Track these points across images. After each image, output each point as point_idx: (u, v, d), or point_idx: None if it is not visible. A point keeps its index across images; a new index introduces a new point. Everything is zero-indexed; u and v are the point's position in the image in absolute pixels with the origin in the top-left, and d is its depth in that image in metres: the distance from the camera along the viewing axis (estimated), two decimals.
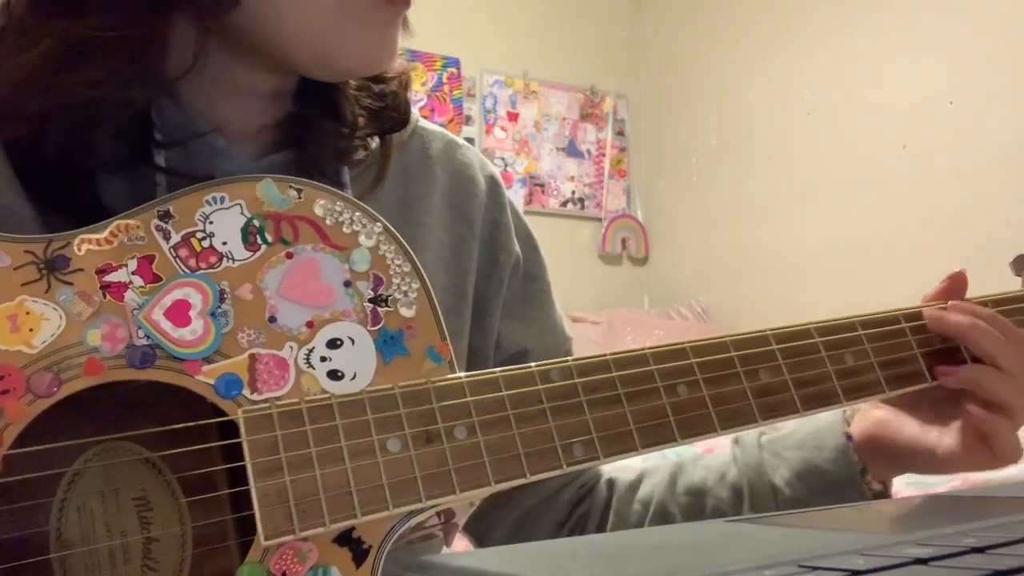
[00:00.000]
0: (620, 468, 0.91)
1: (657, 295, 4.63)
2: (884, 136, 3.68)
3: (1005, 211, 3.21)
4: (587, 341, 3.94)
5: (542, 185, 4.56)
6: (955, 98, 3.45)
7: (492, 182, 0.88)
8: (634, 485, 0.89)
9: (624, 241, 4.71)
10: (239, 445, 0.55)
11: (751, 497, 0.81)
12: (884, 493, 0.80)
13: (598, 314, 4.19)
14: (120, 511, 0.58)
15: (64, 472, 0.57)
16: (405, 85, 0.82)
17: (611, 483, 0.90)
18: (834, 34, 3.91)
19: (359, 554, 0.56)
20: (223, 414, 0.56)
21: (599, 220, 4.69)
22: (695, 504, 0.85)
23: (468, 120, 4.43)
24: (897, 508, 0.52)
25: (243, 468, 0.54)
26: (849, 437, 0.80)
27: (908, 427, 0.77)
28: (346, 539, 0.55)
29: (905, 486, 2.16)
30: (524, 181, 4.51)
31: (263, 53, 0.68)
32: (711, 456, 0.88)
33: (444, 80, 4.32)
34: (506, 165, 4.47)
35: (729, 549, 0.37)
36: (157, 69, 0.66)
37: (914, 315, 0.75)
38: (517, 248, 0.87)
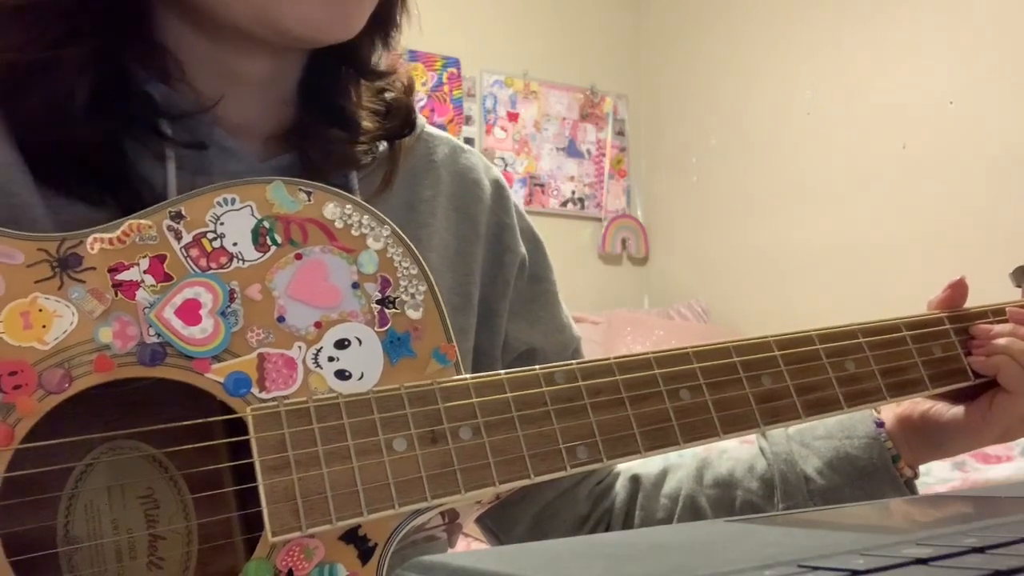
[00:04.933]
0: (644, 463, 0.91)
1: (657, 295, 4.63)
2: (884, 136, 3.67)
3: (1005, 212, 3.21)
4: (587, 341, 3.89)
5: (542, 185, 4.56)
6: (955, 98, 3.44)
7: (497, 185, 0.89)
8: (659, 480, 0.89)
9: (624, 241, 4.70)
10: (245, 443, 0.55)
11: (783, 486, 0.82)
12: (912, 482, 0.82)
13: (598, 314, 4.18)
14: (126, 508, 0.58)
15: (72, 468, 0.57)
16: (409, 90, 0.83)
17: (635, 479, 0.90)
18: (834, 34, 3.91)
19: (365, 552, 0.56)
20: (230, 413, 0.57)
21: (599, 220, 4.68)
22: (724, 496, 0.85)
23: (468, 120, 4.42)
24: (897, 508, 0.52)
25: (248, 466, 0.55)
26: (879, 424, 0.81)
27: (934, 403, 0.80)
28: (352, 537, 0.56)
29: None
30: (524, 181, 4.50)
31: (208, 16, 0.68)
32: (737, 448, 0.89)
33: (444, 80, 4.31)
34: (506, 165, 4.46)
35: (729, 549, 0.37)
36: (94, 28, 0.65)
37: (914, 323, 0.76)
38: (522, 249, 0.88)
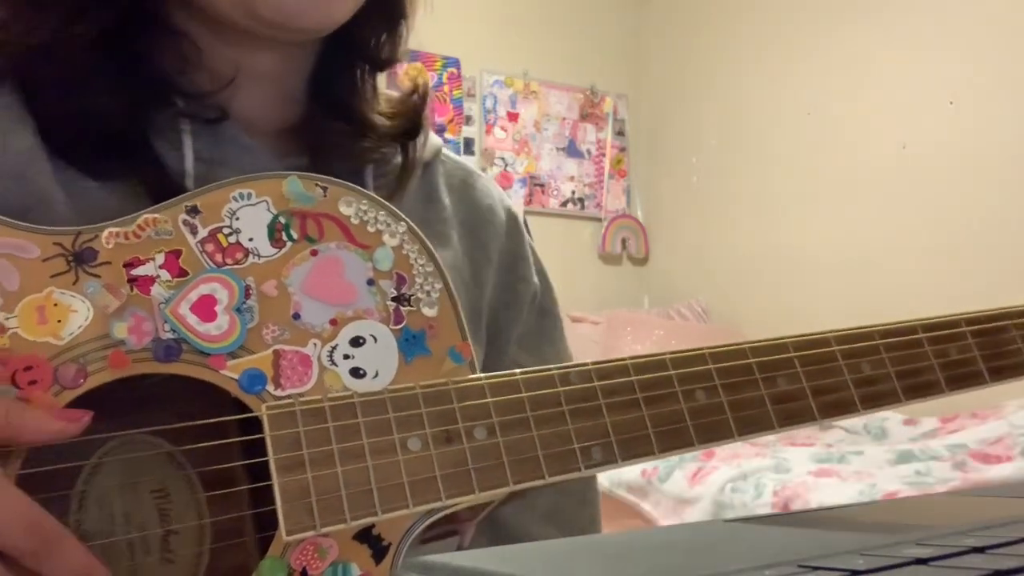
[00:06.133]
0: None
1: (657, 295, 4.64)
2: (884, 136, 3.69)
3: (1005, 212, 3.22)
4: (587, 341, 3.94)
5: (542, 185, 4.57)
6: (955, 98, 3.46)
7: (511, 215, 0.89)
8: None
9: (624, 241, 4.71)
10: (259, 440, 0.55)
11: None
12: None
13: (598, 314, 4.19)
14: (139, 504, 0.58)
15: (83, 465, 0.57)
16: (423, 96, 0.83)
17: None
18: (834, 34, 3.92)
19: (379, 551, 0.56)
20: (243, 410, 0.56)
21: (599, 220, 4.69)
22: None
23: (468, 120, 4.43)
24: (897, 508, 0.52)
25: (262, 464, 0.55)
26: None
27: None
28: (366, 536, 0.56)
29: (905, 486, 2.17)
30: (524, 181, 4.51)
31: (199, 8, 0.68)
32: None
33: (444, 80, 4.32)
34: (506, 165, 4.47)
35: (729, 549, 0.37)
36: (104, 7, 0.66)
37: (931, 326, 0.76)
38: (536, 280, 0.88)
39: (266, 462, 0.55)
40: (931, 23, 3.55)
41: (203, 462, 0.59)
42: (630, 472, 2.87)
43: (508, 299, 0.85)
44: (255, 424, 0.56)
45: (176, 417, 0.56)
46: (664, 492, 2.80)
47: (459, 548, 0.73)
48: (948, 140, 3.46)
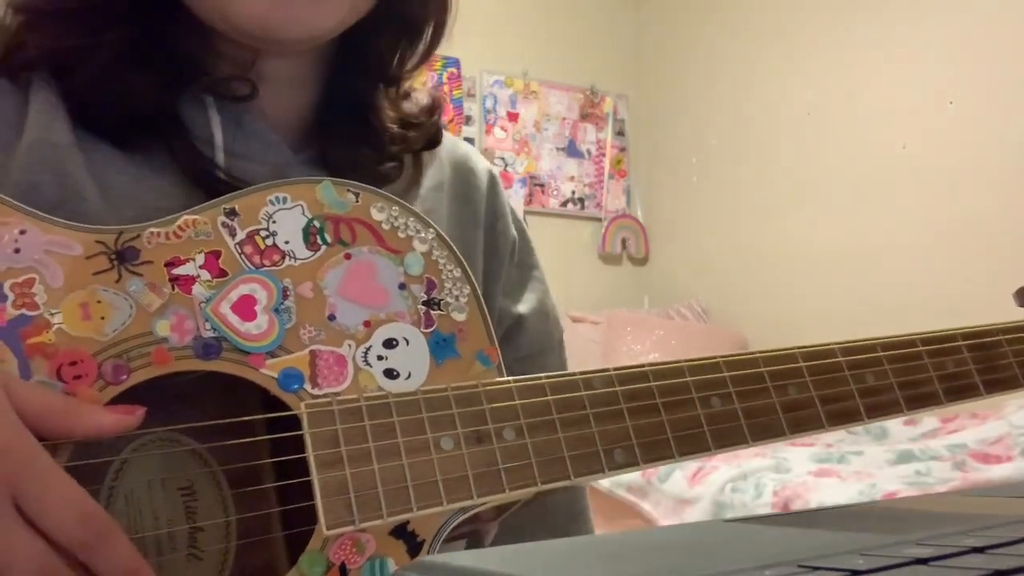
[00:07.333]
0: None
1: (657, 295, 4.64)
2: (884, 136, 3.69)
3: (1005, 212, 3.23)
4: (587, 341, 3.94)
5: (542, 185, 4.57)
6: (955, 98, 3.46)
7: (491, 175, 0.91)
8: None
9: (624, 241, 4.71)
10: (285, 440, 0.57)
11: None
12: None
13: (598, 314, 4.20)
14: (166, 500, 0.59)
15: (112, 461, 0.58)
16: (433, 110, 0.85)
17: None
18: (834, 34, 3.92)
19: (414, 547, 0.57)
20: (275, 408, 0.58)
21: (599, 220, 4.69)
22: None
23: (468, 120, 4.43)
24: (897, 508, 0.53)
25: (286, 463, 0.57)
26: None
27: None
28: (402, 532, 0.57)
29: (905, 486, 2.18)
30: (524, 181, 4.51)
31: (196, 16, 0.69)
32: None
33: (444, 80, 4.32)
34: (506, 165, 4.46)
35: (729, 549, 0.37)
36: (129, 16, 0.68)
37: (929, 339, 0.78)
38: (513, 233, 0.90)
39: (294, 461, 0.56)
40: (931, 24, 3.55)
41: (232, 461, 0.60)
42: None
43: (490, 256, 0.87)
44: (285, 425, 0.57)
45: (205, 417, 0.57)
46: (664, 492, 2.80)
47: (481, 548, 0.75)
48: (948, 140, 3.46)
